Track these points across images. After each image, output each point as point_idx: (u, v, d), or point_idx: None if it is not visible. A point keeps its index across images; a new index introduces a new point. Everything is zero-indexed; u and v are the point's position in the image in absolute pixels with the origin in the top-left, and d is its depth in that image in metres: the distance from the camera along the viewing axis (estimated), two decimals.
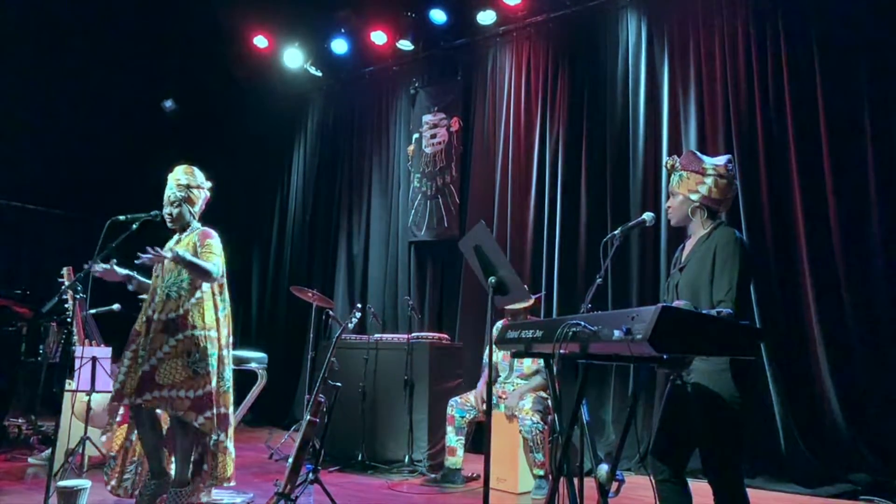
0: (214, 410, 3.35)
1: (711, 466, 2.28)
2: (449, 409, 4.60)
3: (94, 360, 4.31)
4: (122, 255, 3.45)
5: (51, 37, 7.71)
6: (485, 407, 3.35)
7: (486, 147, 6.79)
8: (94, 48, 7.76)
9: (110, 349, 4.51)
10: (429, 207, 7.06)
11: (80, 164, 8.10)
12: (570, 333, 2.02)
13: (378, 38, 7.17)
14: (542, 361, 3.62)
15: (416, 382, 5.06)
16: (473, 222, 4.39)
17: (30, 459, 4.95)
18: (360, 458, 5.06)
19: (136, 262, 3.33)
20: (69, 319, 5.00)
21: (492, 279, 2.84)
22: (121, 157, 8.17)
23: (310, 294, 5.48)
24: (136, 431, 3.48)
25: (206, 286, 3.50)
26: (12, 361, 5.77)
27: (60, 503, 3.42)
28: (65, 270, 4.82)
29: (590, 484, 2.10)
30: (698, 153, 2.60)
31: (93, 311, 5.09)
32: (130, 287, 3.74)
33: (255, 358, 5.51)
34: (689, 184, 2.53)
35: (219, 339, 3.50)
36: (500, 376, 4.71)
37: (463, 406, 4.58)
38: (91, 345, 4.74)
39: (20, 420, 5.99)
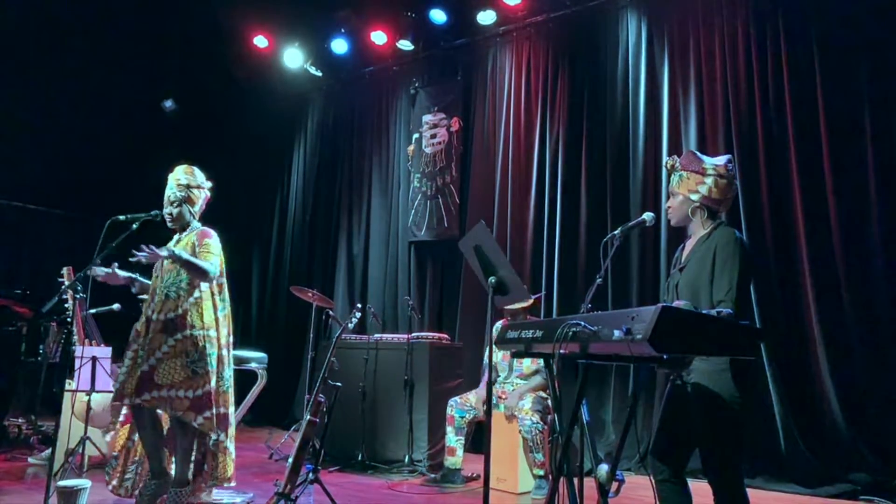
0: (214, 410, 3.35)
1: (711, 466, 2.28)
2: (449, 409, 4.60)
3: (94, 359, 4.31)
4: (123, 256, 3.44)
5: (51, 37, 7.71)
6: (485, 408, 3.35)
7: (486, 147, 6.79)
8: (94, 48, 7.76)
9: (110, 349, 4.51)
10: (429, 207, 7.06)
11: (80, 164, 8.10)
12: (570, 333, 2.02)
13: (378, 38, 7.17)
14: (541, 361, 3.62)
15: (416, 382, 5.06)
16: (473, 222, 4.39)
17: (30, 459, 4.96)
18: (360, 458, 5.06)
19: (131, 259, 3.33)
20: (69, 319, 5.00)
21: (492, 279, 2.84)
22: (121, 157, 8.17)
23: (310, 294, 5.48)
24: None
25: (204, 286, 3.50)
26: (12, 361, 5.78)
27: (60, 503, 3.42)
28: (65, 270, 4.82)
29: (590, 484, 2.10)
30: (698, 153, 2.60)
31: (93, 310, 5.09)
32: (133, 290, 3.75)
33: (255, 358, 5.52)
34: (689, 184, 2.53)
35: (218, 339, 3.49)
36: (499, 376, 4.71)
37: (463, 406, 4.58)
38: (91, 345, 4.75)
39: (20, 420, 5.99)
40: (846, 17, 4.79)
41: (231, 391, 3.57)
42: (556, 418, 2.43)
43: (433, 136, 7.15)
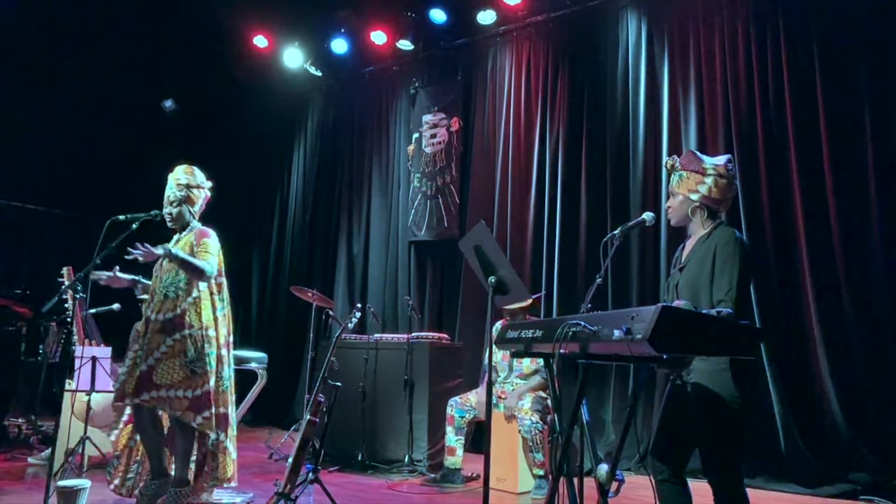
0: (213, 410, 3.35)
1: (711, 466, 2.28)
2: (449, 409, 4.60)
3: (93, 359, 4.31)
4: (122, 256, 3.44)
5: (51, 37, 7.71)
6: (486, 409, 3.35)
7: (486, 147, 6.79)
8: (94, 48, 7.76)
9: (110, 349, 4.52)
10: (429, 207, 7.06)
11: (80, 164, 8.10)
12: (570, 333, 2.02)
13: (378, 37, 7.17)
14: (541, 361, 3.62)
15: (416, 382, 5.06)
16: (473, 222, 4.39)
17: (30, 459, 4.96)
18: (359, 457, 5.06)
19: (126, 257, 3.33)
20: (69, 319, 5.00)
21: (492, 279, 2.84)
22: (121, 157, 8.16)
23: (310, 294, 5.48)
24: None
25: (203, 286, 3.50)
26: (12, 361, 5.78)
27: (60, 503, 3.42)
28: (65, 270, 4.82)
29: (590, 484, 2.10)
30: (698, 153, 2.60)
31: (93, 310, 5.09)
32: (137, 292, 3.76)
33: (255, 358, 5.52)
34: (689, 184, 2.53)
35: (217, 339, 3.50)
36: (499, 376, 4.70)
37: (463, 406, 4.58)
38: (91, 344, 4.75)
39: (20, 420, 5.99)
40: (846, 17, 4.79)
41: (231, 391, 3.58)
42: (556, 418, 2.43)
43: (433, 136, 7.15)
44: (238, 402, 4.05)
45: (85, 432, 4.15)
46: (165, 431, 3.49)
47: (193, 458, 3.48)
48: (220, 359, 3.49)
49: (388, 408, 5.19)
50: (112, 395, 3.41)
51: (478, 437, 5.15)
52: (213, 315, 3.51)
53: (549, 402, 4.32)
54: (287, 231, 8.50)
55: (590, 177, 5.94)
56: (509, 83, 6.67)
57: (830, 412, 4.55)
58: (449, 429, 4.56)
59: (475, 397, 4.60)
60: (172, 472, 3.41)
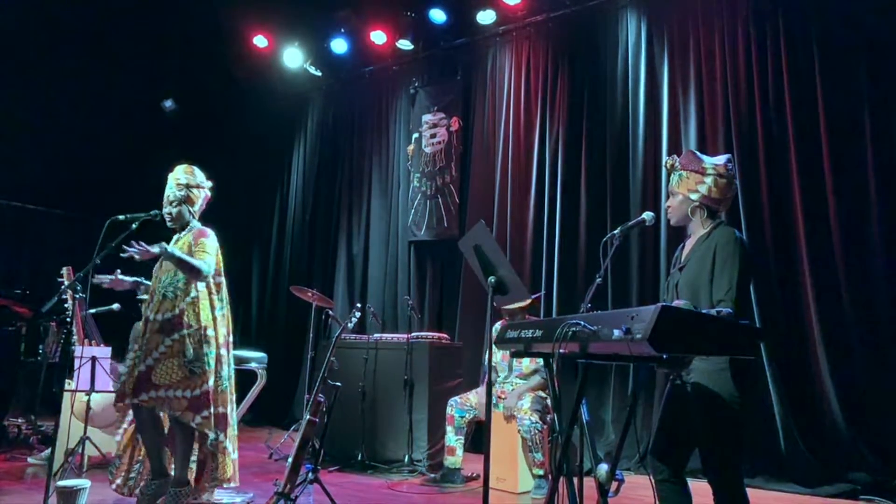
0: (212, 410, 3.35)
1: (711, 466, 2.27)
2: (448, 409, 4.60)
3: (93, 359, 4.31)
4: (122, 256, 3.45)
5: (51, 37, 7.71)
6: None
7: (486, 147, 6.79)
8: (94, 48, 7.76)
9: (110, 349, 4.52)
10: (429, 207, 7.06)
11: (80, 164, 8.10)
12: (570, 333, 2.02)
13: (378, 37, 7.17)
14: (540, 361, 3.62)
15: (416, 382, 5.06)
16: (473, 222, 4.39)
17: (29, 459, 4.96)
18: (359, 457, 5.06)
19: (122, 255, 3.33)
20: (69, 319, 5.00)
21: (491, 279, 2.84)
22: (121, 157, 8.17)
23: (310, 294, 5.48)
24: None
25: (201, 285, 3.50)
26: (12, 361, 5.78)
27: (60, 503, 3.42)
28: (65, 270, 4.82)
29: (589, 484, 2.09)
30: (698, 153, 2.60)
31: (92, 310, 5.09)
32: (140, 293, 3.75)
33: (255, 358, 5.53)
34: (689, 183, 2.53)
35: (216, 338, 3.49)
36: (499, 376, 4.70)
37: (462, 406, 4.58)
38: (91, 344, 4.75)
39: (20, 420, 5.99)
40: (846, 17, 4.79)
41: (230, 391, 3.57)
42: (556, 418, 2.43)
43: (433, 136, 7.14)
44: (238, 401, 4.04)
45: (85, 432, 4.15)
46: (166, 431, 3.49)
47: (195, 458, 3.49)
48: (218, 358, 3.49)
49: (388, 408, 5.19)
50: (112, 395, 3.41)
51: (478, 437, 5.15)
52: (212, 315, 3.51)
53: (548, 401, 4.31)
54: (287, 231, 8.50)
55: (590, 177, 5.94)
56: (509, 83, 6.67)
57: (830, 412, 4.55)
58: (449, 429, 4.56)
59: (475, 397, 4.60)
60: (172, 473, 3.41)
